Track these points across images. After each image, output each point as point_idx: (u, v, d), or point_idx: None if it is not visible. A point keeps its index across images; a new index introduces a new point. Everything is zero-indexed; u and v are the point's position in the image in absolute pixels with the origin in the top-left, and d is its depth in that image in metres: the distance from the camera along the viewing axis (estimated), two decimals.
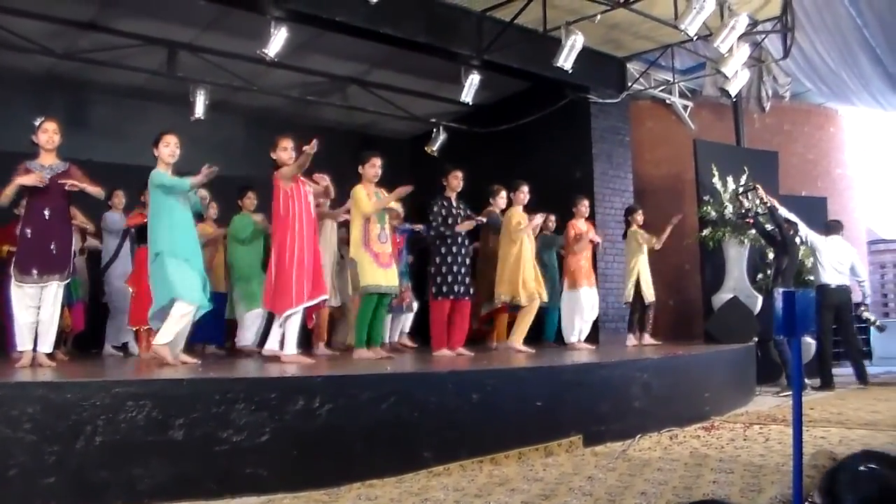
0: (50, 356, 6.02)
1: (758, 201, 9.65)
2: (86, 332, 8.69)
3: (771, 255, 10.63)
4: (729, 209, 10.42)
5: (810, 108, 13.77)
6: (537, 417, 5.78)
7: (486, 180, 9.18)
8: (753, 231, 10.29)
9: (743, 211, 9.79)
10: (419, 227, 9.03)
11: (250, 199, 8.60)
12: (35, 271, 5.88)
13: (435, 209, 7.90)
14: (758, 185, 9.65)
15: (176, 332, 6.13)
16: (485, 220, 8.42)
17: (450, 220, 7.85)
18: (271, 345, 6.72)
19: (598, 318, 9.57)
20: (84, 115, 11.03)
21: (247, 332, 8.31)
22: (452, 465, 5.07)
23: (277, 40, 8.55)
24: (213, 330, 8.56)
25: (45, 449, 4.01)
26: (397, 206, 7.73)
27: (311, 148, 6.37)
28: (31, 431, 3.99)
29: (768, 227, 9.69)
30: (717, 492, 4.37)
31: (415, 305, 9.63)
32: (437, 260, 7.87)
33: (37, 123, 6.09)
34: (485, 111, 12.02)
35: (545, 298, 8.63)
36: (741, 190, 9.87)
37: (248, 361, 7.24)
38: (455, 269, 7.83)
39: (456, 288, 7.80)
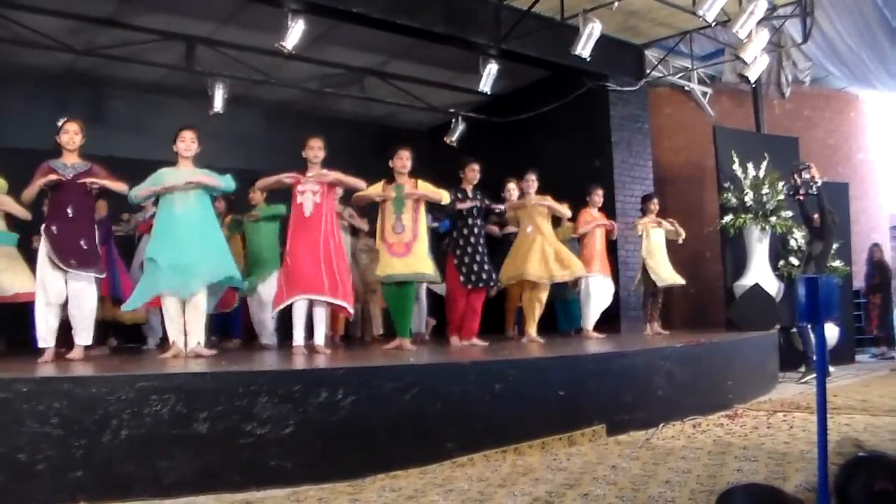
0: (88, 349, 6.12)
1: (809, 179, 9.58)
2: (128, 326, 8.78)
3: (793, 241, 10.61)
4: (750, 196, 10.37)
5: (830, 92, 13.69)
6: (560, 407, 5.77)
7: (506, 170, 9.20)
8: (774, 218, 10.25)
9: (793, 189, 9.72)
10: (436, 224, 9.02)
11: (258, 193, 8.51)
12: (74, 261, 5.95)
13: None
14: (811, 164, 9.60)
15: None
16: (501, 208, 8.45)
17: (464, 212, 7.88)
18: (297, 340, 6.81)
19: (619, 306, 9.53)
20: (104, 110, 11.10)
21: (267, 330, 8.28)
22: (476, 456, 5.08)
23: (295, 33, 8.57)
24: (231, 322, 8.63)
25: (71, 443, 4.04)
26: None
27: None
28: (59, 426, 4.03)
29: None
30: (742, 480, 4.35)
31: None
32: (456, 251, 7.89)
33: (59, 124, 6.15)
34: (503, 101, 12.01)
35: (565, 277, 8.57)
36: (798, 167, 9.80)
37: (270, 354, 7.27)
38: (467, 259, 7.86)
39: (473, 277, 7.82)
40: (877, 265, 12.81)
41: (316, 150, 6.88)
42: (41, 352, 5.91)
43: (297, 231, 6.77)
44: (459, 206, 7.81)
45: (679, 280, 9.46)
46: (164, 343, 8.32)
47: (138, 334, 8.99)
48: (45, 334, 5.95)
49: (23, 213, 6.78)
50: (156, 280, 6.19)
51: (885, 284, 12.76)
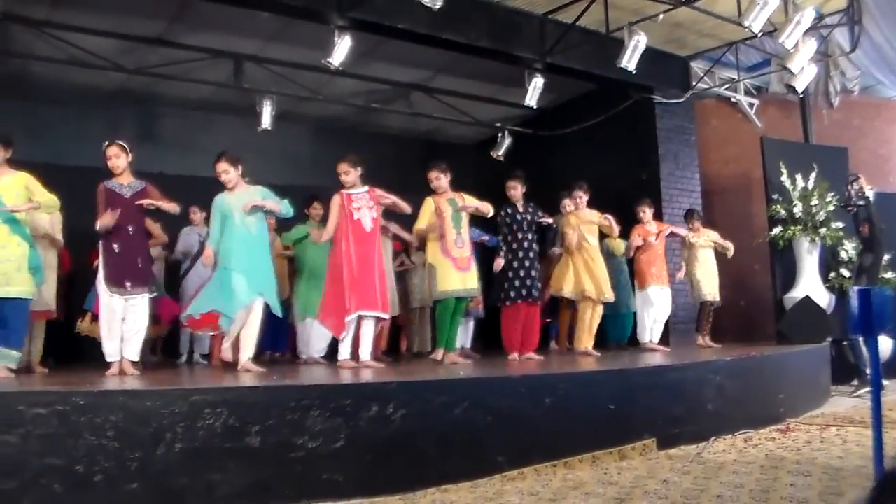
0: (135, 364, 6.20)
1: (859, 190, 9.53)
2: (174, 340, 8.94)
3: (843, 253, 10.47)
4: (799, 207, 10.26)
5: (880, 101, 13.48)
6: (610, 421, 5.75)
7: (553, 183, 9.19)
8: (824, 230, 10.13)
9: (845, 201, 9.65)
10: (486, 237, 8.98)
11: (316, 209, 8.52)
12: (129, 283, 6.09)
13: (499, 219, 7.99)
14: (860, 175, 9.54)
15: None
16: (549, 221, 8.41)
17: (514, 227, 7.88)
18: (343, 355, 6.91)
19: (668, 319, 9.46)
20: (154, 128, 11.28)
21: (316, 343, 8.24)
22: (526, 470, 5.07)
23: (341, 49, 8.62)
24: (277, 337, 8.68)
25: (127, 455, 4.09)
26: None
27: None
28: (115, 439, 4.09)
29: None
30: (795, 495, 4.30)
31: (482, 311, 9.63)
32: (505, 265, 7.89)
33: (103, 149, 6.30)
34: (549, 114, 12.01)
35: (608, 298, 8.60)
36: (850, 179, 9.76)
37: (321, 369, 7.31)
38: (522, 273, 7.84)
39: (524, 292, 7.81)
40: None
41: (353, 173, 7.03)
42: (89, 366, 6.03)
43: (357, 246, 6.83)
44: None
45: (715, 297, 9.48)
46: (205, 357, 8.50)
47: (174, 348, 9.08)
48: (111, 349, 6.12)
49: (57, 242, 7.02)
50: (233, 295, 6.29)
51: None
